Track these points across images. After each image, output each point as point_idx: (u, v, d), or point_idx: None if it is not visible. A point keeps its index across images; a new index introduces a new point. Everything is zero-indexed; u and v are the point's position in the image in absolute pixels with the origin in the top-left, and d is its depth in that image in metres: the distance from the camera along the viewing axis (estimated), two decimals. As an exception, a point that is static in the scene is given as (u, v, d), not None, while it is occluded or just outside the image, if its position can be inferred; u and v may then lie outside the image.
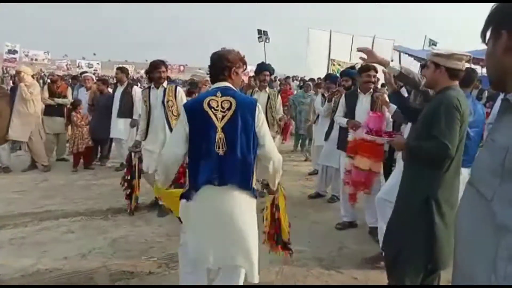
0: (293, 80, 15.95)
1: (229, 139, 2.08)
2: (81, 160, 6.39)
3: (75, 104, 6.47)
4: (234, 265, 2.17)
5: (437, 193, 2.19)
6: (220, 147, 2.08)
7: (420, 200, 2.21)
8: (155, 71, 4.10)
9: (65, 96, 6.63)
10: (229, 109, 2.09)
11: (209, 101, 2.10)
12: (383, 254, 2.59)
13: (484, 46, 1.06)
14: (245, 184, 2.11)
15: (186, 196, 2.16)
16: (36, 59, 31.73)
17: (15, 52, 32.38)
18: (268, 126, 4.62)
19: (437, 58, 2.29)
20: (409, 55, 16.68)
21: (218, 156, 2.08)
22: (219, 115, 2.09)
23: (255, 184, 2.21)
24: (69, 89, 6.91)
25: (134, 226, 3.98)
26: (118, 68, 6.61)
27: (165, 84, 4.17)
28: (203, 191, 2.10)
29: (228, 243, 2.11)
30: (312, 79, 11.82)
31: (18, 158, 6.68)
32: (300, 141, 7.98)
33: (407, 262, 2.27)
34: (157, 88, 4.16)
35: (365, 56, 2.77)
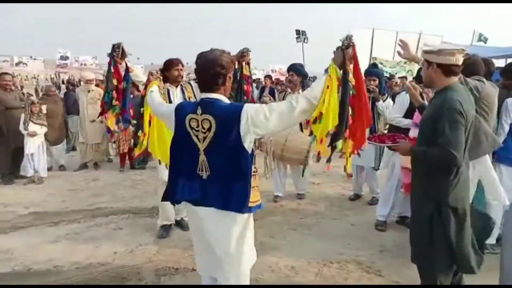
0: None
1: (212, 163, 1.92)
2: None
3: None
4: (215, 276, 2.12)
5: (448, 200, 2.11)
6: (203, 170, 1.94)
7: (432, 208, 2.15)
8: (173, 70, 3.84)
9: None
10: (209, 129, 1.88)
11: (190, 120, 1.93)
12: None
13: None
14: (232, 207, 1.91)
15: (167, 197, 2.12)
16: (85, 64, 33.83)
17: (66, 58, 34.49)
18: (302, 131, 4.53)
19: (427, 55, 2.18)
20: None
21: (202, 179, 1.95)
22: (200, 136, 1.92)
23: (253, 202, 1.98)
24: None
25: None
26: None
27: (182, 82, 3.98)
28: (188, 206, 2.05)
29: (210, 258, 2.07)
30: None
31: (71, 158, 7.16)
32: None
33: (433, 269, 2.23)
34: (176, 87, 3.91)
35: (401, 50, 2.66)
